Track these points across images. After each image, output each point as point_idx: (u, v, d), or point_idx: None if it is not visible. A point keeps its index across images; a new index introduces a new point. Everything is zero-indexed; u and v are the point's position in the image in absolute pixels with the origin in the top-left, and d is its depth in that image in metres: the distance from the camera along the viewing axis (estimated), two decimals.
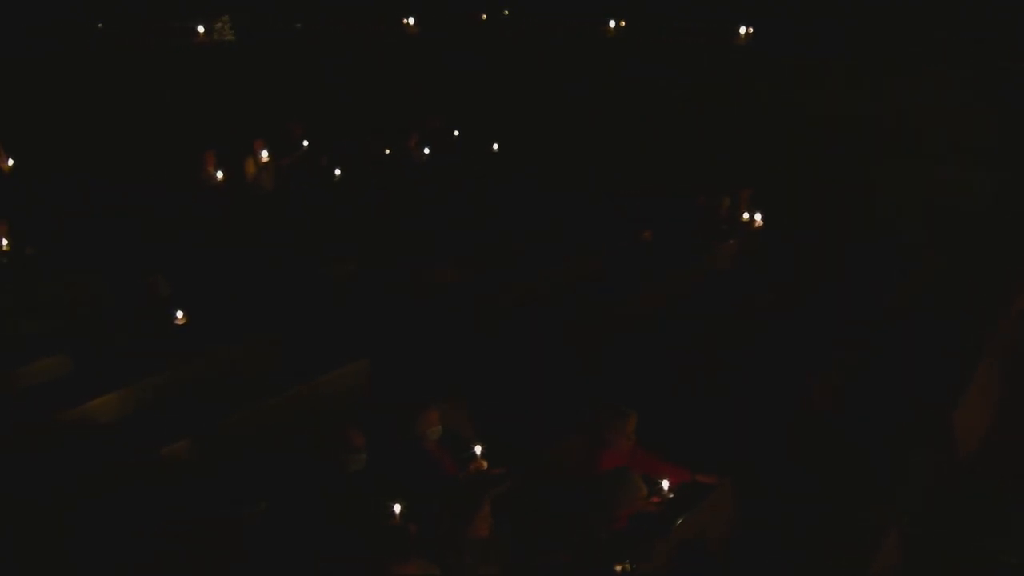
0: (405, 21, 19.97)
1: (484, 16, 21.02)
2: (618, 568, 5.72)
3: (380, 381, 8.92)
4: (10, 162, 13.44)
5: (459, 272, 11.14)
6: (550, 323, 9.74)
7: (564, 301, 10.43)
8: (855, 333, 9.60)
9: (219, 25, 20.13)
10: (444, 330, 9.50)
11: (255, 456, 7.21)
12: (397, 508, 5.95)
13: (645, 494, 6.36)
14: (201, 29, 19.73)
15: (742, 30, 17.51)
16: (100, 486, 6.78)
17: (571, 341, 9.30)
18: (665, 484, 6.62)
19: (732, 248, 12.32)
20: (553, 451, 7.34)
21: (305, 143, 14.57)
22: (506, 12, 21.40)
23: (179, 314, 9.27)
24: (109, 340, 9.02)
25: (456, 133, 15.88)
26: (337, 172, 14.30)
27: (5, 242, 11.50)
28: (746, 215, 12.88)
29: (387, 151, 15.15)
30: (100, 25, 20.37)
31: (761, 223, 12.86)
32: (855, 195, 13.42)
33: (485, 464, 6.82)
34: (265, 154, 13.76)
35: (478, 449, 6.84)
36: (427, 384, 7.87)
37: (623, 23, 19.29)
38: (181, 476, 7.05)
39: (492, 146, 15.84)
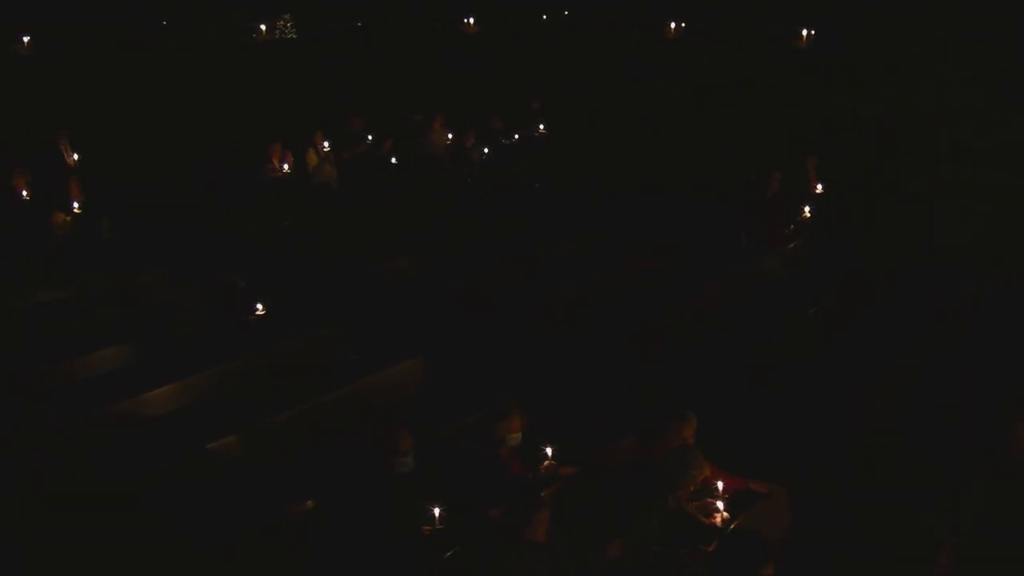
0: (465, 21, 20.05)
1: (544, 16, 21.07)
2: None
3: (434, 379, 8.93)
4: (75, 156, 13.70)
5: (517, 272, 11.14)
6: (609, 324, 9.72)
7: (624, 302, 10.39)
8: (915, 343, 9.48)
9: (281, 23, 20.35)
10: (502, 329, 9.51)
11: (307, 452, 7.24)
12: (437, 511, 5.98)
13: (708, 471, 6.37)
14: (263, 27, 19.95)
15: (804, 32, 17.41)
16: (153, 476, 6.87)
17: (630, 343, 9.27)
18: (720, 485, 6.60)
19: (791, 252, 12.20)
20: (611, 451, 7.31)
21: (369, 138, 14.69)
22: (566, 12, 21.43)
23: (259, 307, 9.36)
24: (172, 331, 9.14)
25: (516, 136, 15.87)
26: (394, 165, 14.39)
27: (76, 205, 11.81)
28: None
29: (445, 149, 15.19)
30: (164, 23, 20.67)
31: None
32: (914, 202, 13.24)
33: (554, 465, 6.83)
34: (326, 146, 13.91)
35: (549, 450, 6.83)
36: (482, 383, 7.89)
37: (683, 24, 19.23)
38: (232, 470, 7.09)
39: (552, 146, 15.83)
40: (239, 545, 5.99)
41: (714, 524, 6.32)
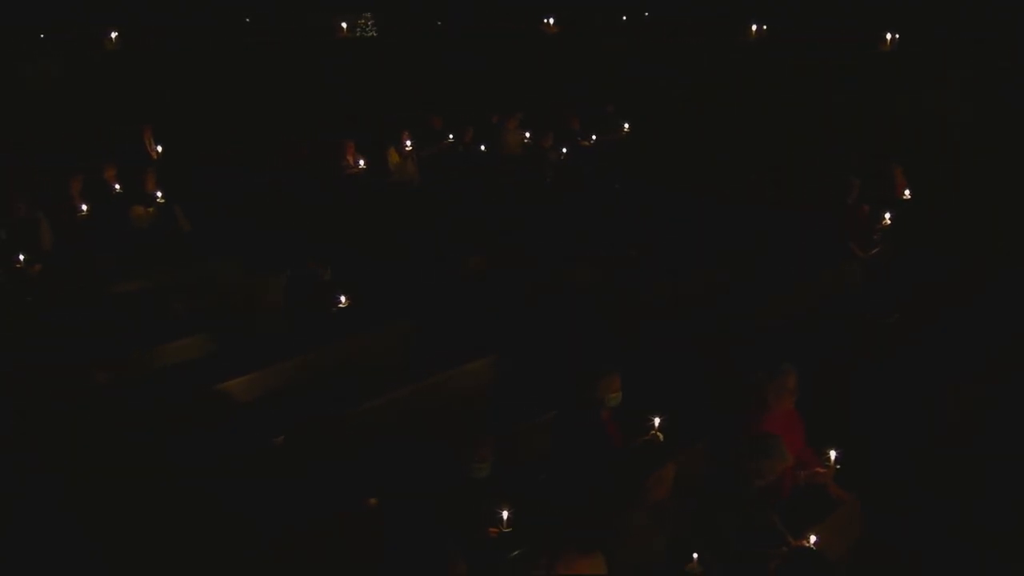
0: (545, 21, 20.05)
1: (624, 17, 21.01)
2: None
3: (508, 378, 8.93)
4: (159, 149, 13.96)
5: (590, 274, 11.11)
6: (684, 327, 9.65)
7: (700, 305, 10.31)
8: (995, 353, 9.26)
9: (361, 22, 20.54)
10: (573, 331, 9.48)
11: (379, 447, 7.27)
12: (505, 514, 5.96)
13: (791, 463, 6.26)
14: (344, 25, 20.14)
15: (888, 37, 17.15)
16: (226, 465, 6.95)
17: (700, 350, 9.19)
18: (833, 454, 6.54)
19: (871, 259, 12.01)
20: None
21: (451, 136, 14.78)
22: (646, 13, 21.34)
23: (342, 298, 9.43)
24: (251, 322, 9.27)
25: (595, 137, 15.84)
26: (474, 162, 14.45)
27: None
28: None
29: (522, 149, 15.22)
30: (247, 20, 20.98)
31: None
32: (1000, 208, 12.95)
33: (661, 437, 6.67)
34: (409, 145, 14.02)
35: (657, 420, 6.68)
36: (553, 383, 7.86)
37: (764, 27, 19.05)
38: (303, 461, 7.14)
39: (633, 148, 15.78)
40: (306, 537, 6.03)
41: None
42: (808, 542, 5.93)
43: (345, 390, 8.11)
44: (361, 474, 6.61)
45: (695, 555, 5.58)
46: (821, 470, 6.61)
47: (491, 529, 5.93)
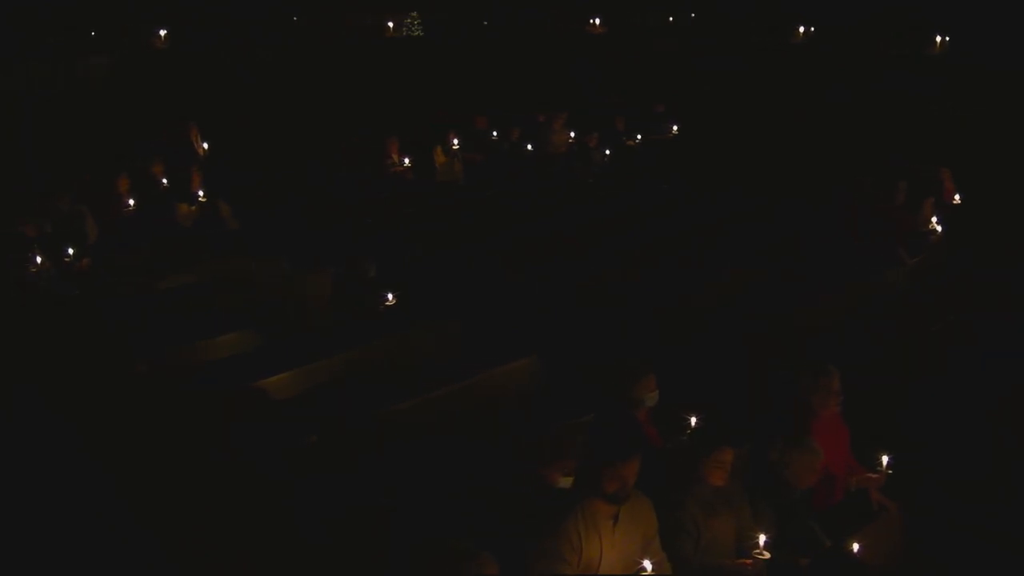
0: (592, 21, 20.03)
1: (671, 18, 20.96)
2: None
3: (549, 378, 8.89)
4: (205, 145, 14.08)
5: (631, 274, 11.05)
6: (723, 330, 9.57)
7: (739, 308, 10.22)
8: None
9: (408, 20, 20.62)
10: (615, 332, 9.43)
11: (419, 444, 7.27)
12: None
13: (823, 463, 6.16)
14: (390, 24, 20.24)
15: (937, 39, 17.01)
16: (267, 459, 6.97)
17: (744, 350, 9.11)
18: (884, 459, 6.46)
19: (916, 264, 11.86)
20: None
21: (495, 134, 14.80)
22: (692, 15, 21.29)
23: (389, 296, 9.44)
24: (295, 318, 9.30)
25: (639, 136, 15.79)
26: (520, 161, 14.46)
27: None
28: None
29: (567, 148, 15.21)
30: (295, 19, 21.13)
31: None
32: None
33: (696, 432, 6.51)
34: (455, 144, 14.05)
35: (693, 420, 6.54)
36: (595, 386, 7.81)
37: (812, 29, 18.94)
38: (343, 457, 7.15)
39: (680, 148, 15.74)
40: (345, 531, 6.04)
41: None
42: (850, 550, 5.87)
43: (387, 388, 8.10)
44: (396, 472, 6.63)
45: (761, 539, 5.53)
46: (873, 475, 6.51)
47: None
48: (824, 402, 6.63)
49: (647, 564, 5.10)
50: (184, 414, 7.52)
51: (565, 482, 6.03)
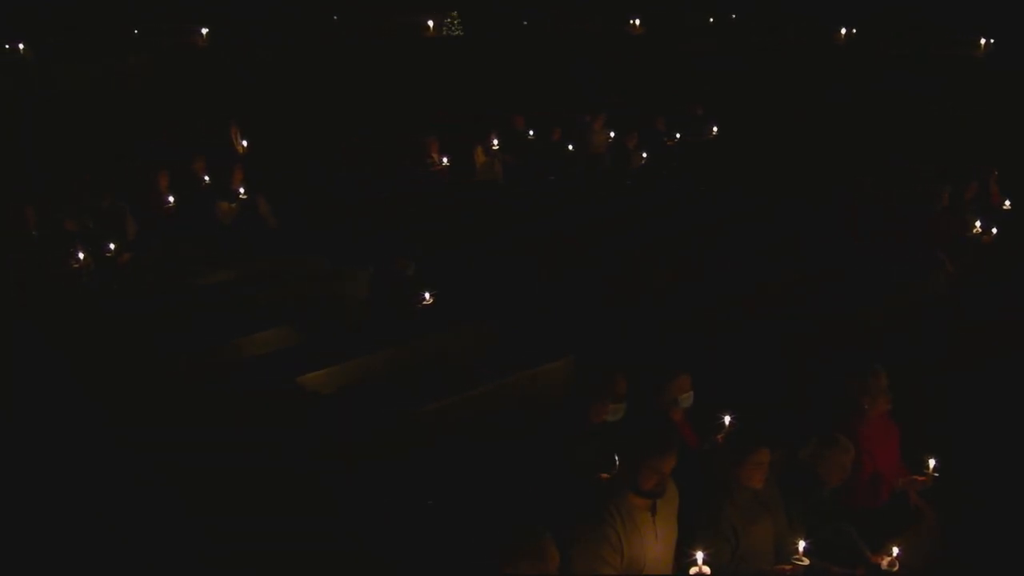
0: (631, 22, 19.98)
1: (711, 19, 20.87)
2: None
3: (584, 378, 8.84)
4: (245, 144, 14.17)
5: (671, 277, 11.00)
6: (763, 334, 9.50)
7: (778, 312, 10.14)
8: None
9: (448, 20, 20.66)
10: (654, 335, 9.39)
11: (456, 442, 7.27)
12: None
13: (853, 457, 6.05)
14: (431, 23, 20.29)
15: (982, 41, 16.85)
16: (304, 455, 6.97)
17: (784, 354, 9.03)
18: (932, 462, 6.37)
19: (959, 270, 11.72)
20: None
21: (531, 133, 14.80)
22: (733, 16, 21.18)
23: (427, 295, 9.44)
24: (334, 316, 9.33)
25: (678, 136, 15.73)
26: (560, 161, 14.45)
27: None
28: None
29: (607, 148, 15.18)
30: (335, 18, 21.22)
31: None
32: None
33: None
34: (496, 144, 14.06)
35: (727, 419, 6.52)
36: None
37: (854, 31, 18.81)
38: (380, 454, 7.15)
39: (719, 149, 15.67)
40: (382, 528, 6.04)
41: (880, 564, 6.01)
42: (888, 558, 5.80)
43: (423, 386, 8.11)
44: (432, 470, 6.63)
45: (801, 544, 5.48)
46: (919, 478, 6.44)
47: (603, 474, 5.77)
48: (874, 402, 6.56)
49: (699, 556, 5.08)
50: (221, 410, 7.56)
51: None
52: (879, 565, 5.84)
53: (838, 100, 16.81)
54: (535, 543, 4.35)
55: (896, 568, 5.81)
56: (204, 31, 18.68)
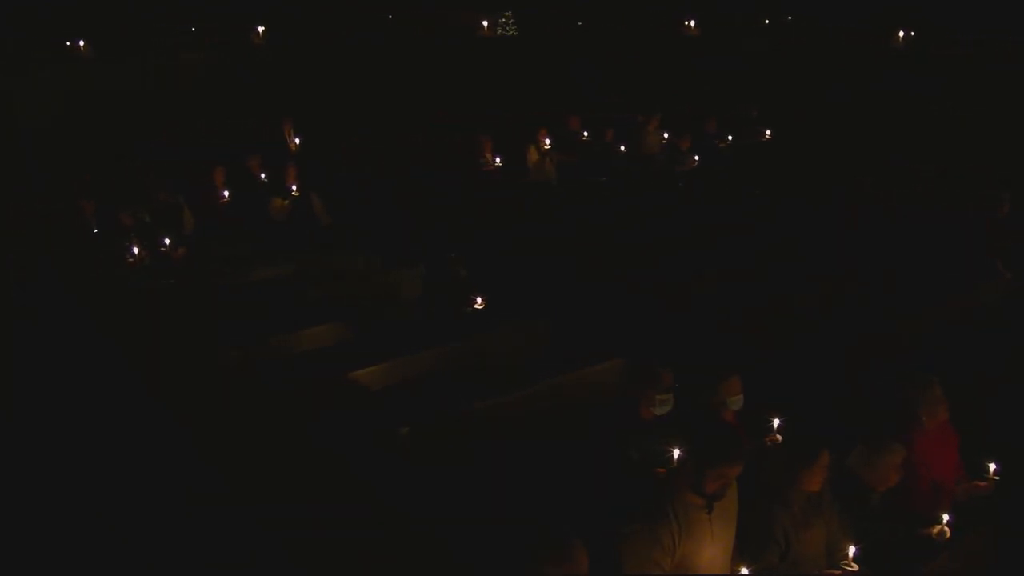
0: (686, 23, 19.89)
1: (767, 21, 20.72)
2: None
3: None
4: (297, 141, 14.27)
5: (724, 278, 10.93)
6: (814, 340, 9.41)
7: (831, 319, 10.03)
8: None
9: (503, 20, 20.69)
10: (703, 340, 9.32)
11: (506, 442, 7.27)
12: (676, 452, 5.71)
13: (901, 461, 5.94)
14: (485, 23, 20.32)
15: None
16: (351, 452, 7.01)
17: (837, 361, 8.93)
18: (992, 467, 6.32)
19: (1010, 279, 11.53)
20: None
21: (585, 134, 14.79)
22: (789, 17, 21.01)
23: (478, 300, 9.41)
24: (385, 314, 9.37)
25: (730, 138, 15.63)
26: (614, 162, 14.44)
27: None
28: None
29: (661, 150, 15.13)
30: (389, 17, 21.31)
31: None
32: None
33: (780, 439, 6.46)
34: (547, 143, 14.06)
35: (776, 422, 6.48)
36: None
37: (912, 33, 18.58)
38: (426, 453, 7.16)
39: (773, 153, 15.57)
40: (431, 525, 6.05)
41: (931, 536, 5.90)
42: (939, 527, 5.80)
43: (473, 385, 8.12)
44: (483, 468, 6.63)
45: (851, 550, 5.42)
46: (980, 484, 6.35)
47: (659, 469, 5.76)
48: (932, 412, 6.47)
49: (744, 571, 5.06)
50: (275, 403, 7.62)
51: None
52: (930, 535, 5.83)
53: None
54: (558, 545, 4.32)
55: (948, 536, 5.79)
56: (260, 29, 18.82)
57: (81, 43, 17.59)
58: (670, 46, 19.49)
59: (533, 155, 13.98)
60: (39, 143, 14.18)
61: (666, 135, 15.19)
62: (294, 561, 6.01)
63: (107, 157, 13.74)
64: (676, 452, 5.70)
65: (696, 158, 15.06)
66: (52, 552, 6.11)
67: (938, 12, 18.36)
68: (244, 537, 6.22)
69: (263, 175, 12.60)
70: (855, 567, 5.39)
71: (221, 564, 6.05)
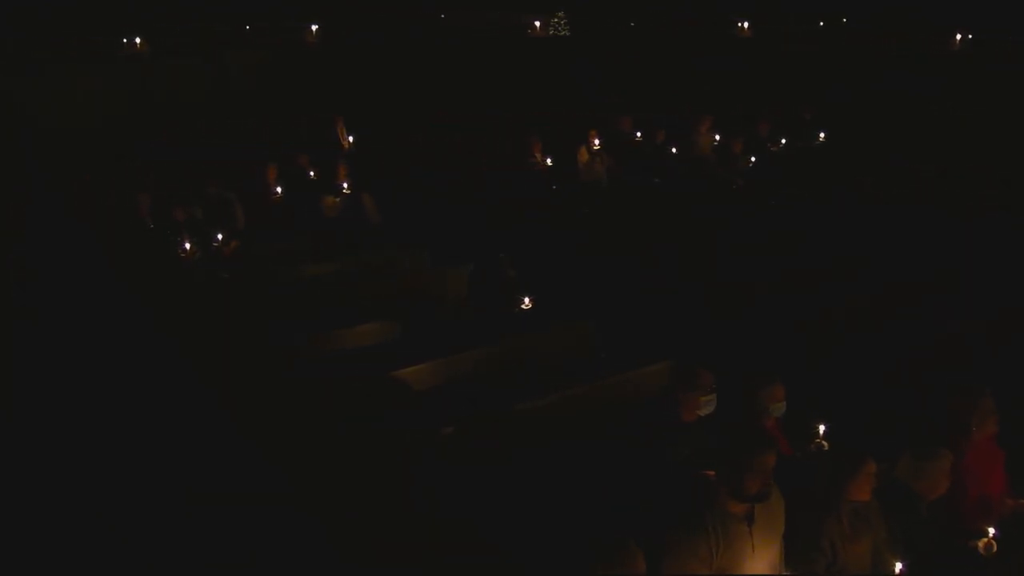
0: (739, 24, 19.75)
1: (821, 23, 20.54)
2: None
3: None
4: (351, 139, 14.36)
5: (774, 282, 10.84)
6: (865, 346, 9.30)
7: (883, 324, 9.91)
8: None
9: (555, 20, 20.68)
10: (750, 345, 9.25)
11: (550, 443, 7.25)
12: None
13: (951, 468, 5.89)
14: (537, 23, 20.32)
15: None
16: (396, 449, 7.03)
17: (889, 367, 8.82)
18: None
19: None
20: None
21: (639, 134, 14.74)
22: (844, 20, 20.82)
23: (526, 301, 9.43)
24: (434, 312, 9.40)
25: (783, 142, 15.50)
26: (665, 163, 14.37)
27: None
28: None
29: (712, 151, 15.04)
30: (442, 16, 21.38)
31: None
32: None
33: (827, 446, 6.42)
34: (597, 143, 14.03)
35: (822, 428, 6.43)
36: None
37: (970, 36, 18.34)
38: (469, 452, 7.16)
39: (827, 156, 15.43)
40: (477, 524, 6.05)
41: (977, 549, 5.80)
42: (985, 540, 5.69)
43: (520, 385, 8.11)
44: (528, 468, 6.62)
45: (899, 566, 5.37)
46: None
47: (708, 472, 5.68)
48: (982, 423, 6.38)
49: None
50: (323, 399, 7.67)
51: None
52: (976, 547, 5.74)
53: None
54: (616, 547, 4.34)
55: (994, 551, 5.69)
56: (314, 28, 18.94)
57: (138, 41, 17.79)
58: (723, 47, 19.36)
59: (583, 155, 13.96)
60: (94, 139, 14.37)
61: (717, 137, 15.09)
62: (341, 559, 6.05)
63: (165, 153, 13.90)
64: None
65: (752, 159, 14.95)
66: (112, 550, 6.18)
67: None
68: (288, 534, 6.26)
69: (312, 173, 12.69)
70: None
71: (267, 561, 6.10)
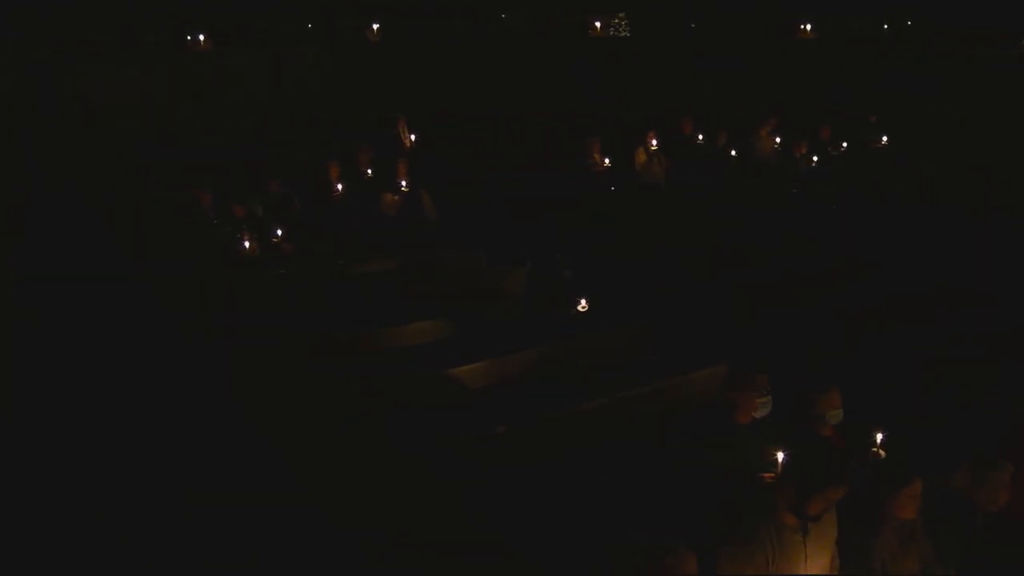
0: (802, 27, 19.53)
1: (885, 26, 20.28)
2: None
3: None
4: (412, 138, 14.43)
5: (826, 286, 10.75)
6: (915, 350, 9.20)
7: (928, 326, 9.79)
8: None
9: (615, 21, 20.61)
10: (808, 344, 9.19)
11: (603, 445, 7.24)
12: (781, 456, 5.67)
13: (1011, 476, 5.81)
14: (598, 24, 20.26)
15: None
16: (443, 449, 7.04)
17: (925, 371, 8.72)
18: None
19: None
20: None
21: (700, 137, 14.67)
22: (908, 23, 20.53)
23: (582, 303, 9.44)
24: (488, 312, 9.43)
25: (844, 145, 15.34)
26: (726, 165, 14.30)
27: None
28: None
29: (773, 155, 14.93)
30: (503, 16, 21.39)
31: None
32: None
33: (883, 454, 6.34)
34: (655, 144, 13.98)
35: (879, 436, 6.37)
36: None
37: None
38: (520, 453, 7.16)
39: (890, 160, 15.25)
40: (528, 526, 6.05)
41: None
42: None
43: (574, 386, 8.11)
44: (582, 469, 6.61)
45: None
46: None
47: (765, 475, 5.73)
48: None
49: None
50: (371, 395, 7.70)
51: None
52: None
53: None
54: (668, 551, 4.33)
55: None
56: (375, 26, 19.03)
57: (201, 38, 17.97)
58: (785, 49, 19.17)
59: (641, 156, 13.92)
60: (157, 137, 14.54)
61: (778, 140, 14.97)
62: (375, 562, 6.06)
63: (224, 152, 14.03)
64: (781, 456, 5.65)
65: (815, 160, 14.82)
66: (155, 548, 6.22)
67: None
68: (327, 536, 6.29)
69: (369, 171, 12.77)
70: None
71: (303, 562, 6.13)
